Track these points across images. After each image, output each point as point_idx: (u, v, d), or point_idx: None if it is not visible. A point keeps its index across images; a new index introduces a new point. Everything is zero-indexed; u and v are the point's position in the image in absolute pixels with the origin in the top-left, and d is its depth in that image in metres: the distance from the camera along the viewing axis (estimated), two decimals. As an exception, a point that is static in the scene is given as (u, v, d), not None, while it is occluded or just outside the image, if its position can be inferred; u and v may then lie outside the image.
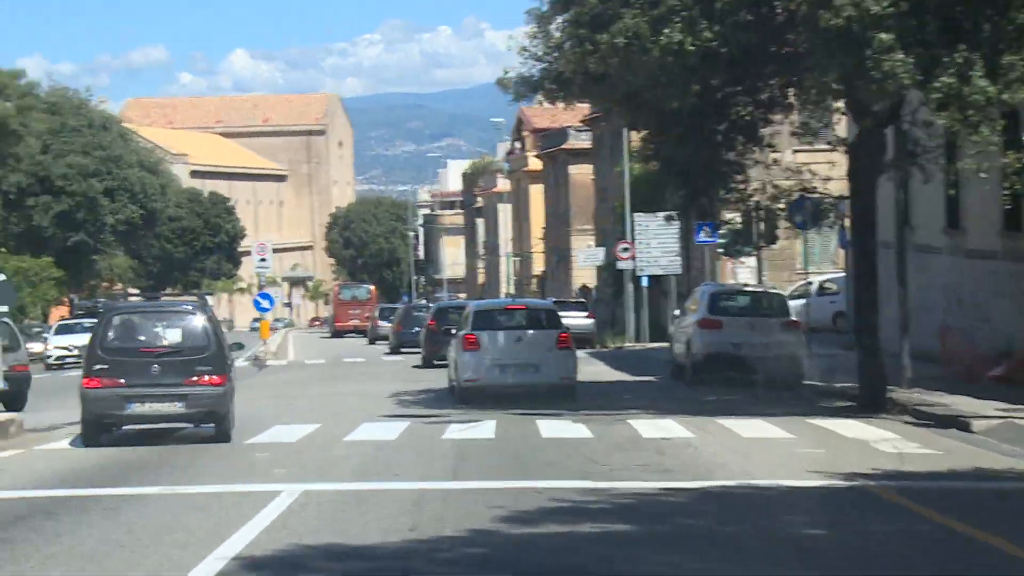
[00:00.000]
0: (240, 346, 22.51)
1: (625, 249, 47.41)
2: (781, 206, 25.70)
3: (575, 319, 48.71)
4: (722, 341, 24.87)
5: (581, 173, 69.74)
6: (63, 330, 47.42)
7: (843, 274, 36.48)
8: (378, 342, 51.40)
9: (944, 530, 9.90)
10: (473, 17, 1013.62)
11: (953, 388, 20.27)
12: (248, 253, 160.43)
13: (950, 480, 12.60)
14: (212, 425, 16.84)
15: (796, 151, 33.81)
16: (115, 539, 9.87)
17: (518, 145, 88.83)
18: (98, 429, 16.76)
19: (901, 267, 21.56)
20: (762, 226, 32.61)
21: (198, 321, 17.32)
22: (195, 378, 16.67)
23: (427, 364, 32.93)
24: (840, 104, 21.14)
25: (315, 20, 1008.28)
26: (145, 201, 67.37)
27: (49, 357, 45.61)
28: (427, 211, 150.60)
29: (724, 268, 45.14)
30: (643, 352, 40.56)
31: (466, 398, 22.01)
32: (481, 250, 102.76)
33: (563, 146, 70.26)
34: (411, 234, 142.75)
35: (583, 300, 51.11)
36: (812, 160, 31.57)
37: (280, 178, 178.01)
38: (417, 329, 39.66)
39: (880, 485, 11.98)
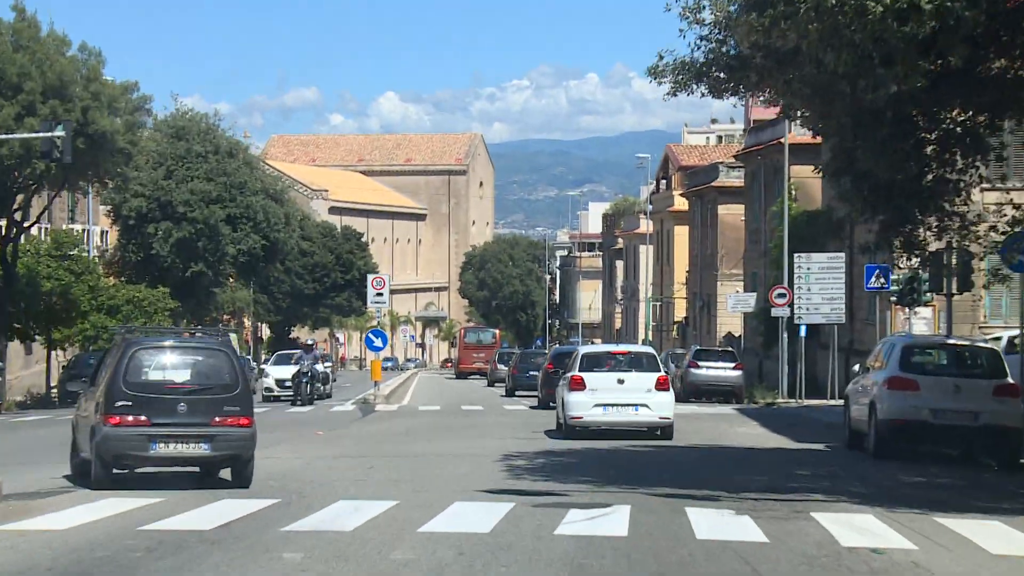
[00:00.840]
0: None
1: (781, 295, 42.32)
2: (986, 240, 20.71)
3: (722, 370, 43.77)
4: (917, 406, 19.82)
5: (731, 213, 64.70)
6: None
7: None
8: (496, 384, 54.55)
9: None
10: (621, 65, 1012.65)
11: None
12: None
13: None
14: (230, 469, 15.86)
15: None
16: None
17: (663, 184, 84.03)
18: (109, 471, 15.49)
19: None
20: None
21: (225, 358, 16.14)
22: (223, 419, 15.65)
23: (543, 405, 34.61)
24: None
25: (466, 65, 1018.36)
26: (268, 231, 64.16)
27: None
28: (564, 253, 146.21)
29: (895, 319, 39.76)
30: (800, 412, 35.41)
31: (572, 435, 24.07)
32: (619, 294, 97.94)
33: (712, 183, 65.32)
34: (547, 276, 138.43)
35: (731, 349, 46.02)
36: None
37: (419, 217, 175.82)
38: (532, 373, 42.50)
39: None
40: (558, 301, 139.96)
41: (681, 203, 75.34)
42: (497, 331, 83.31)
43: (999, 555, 10.99)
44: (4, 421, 34.13)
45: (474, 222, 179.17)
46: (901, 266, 39.59)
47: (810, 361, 42.61)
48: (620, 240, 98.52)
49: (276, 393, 42.75)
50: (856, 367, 23.09)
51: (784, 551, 10.89)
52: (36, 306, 46.17)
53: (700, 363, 43.59)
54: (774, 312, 42.66)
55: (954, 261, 27.92)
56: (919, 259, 21.68)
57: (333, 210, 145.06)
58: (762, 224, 55.97)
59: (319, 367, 40.32)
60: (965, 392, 19.72)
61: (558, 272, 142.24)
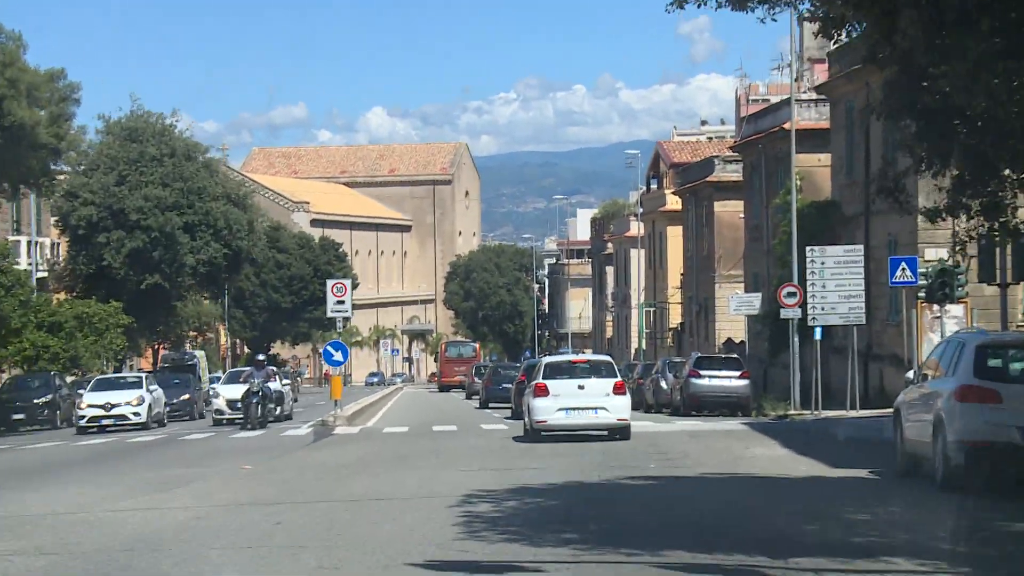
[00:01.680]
0: None
1: (791, 294, 37.78)
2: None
3: (726, 380, 39.17)
4: (1000, 423, 15.23)
5: (728, 210, 60.19)
6: (102, 385, 39.35)
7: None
8: (473, 396, 56.16)
9: None
10: (608, 75, 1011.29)
11: None
12: (371, 306, 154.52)
13: None
14: None
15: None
16: None
17: (653, 184, 79.50)
18: None
19: None
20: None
21: None
22: None
23: (515, 416, 35.46)
24: None
25: (453, 78, 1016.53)
26: (230, 239, 59.45)
27: (83, 418, 37.60)
28: (553, 261, 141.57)
29: (921, 318, 35.20)
30: (819, 426, 30.83)
31: (537, 438, 25.90)
32: (610, 301, 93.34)
33: (707, 179, 60.80)
34: (535, 285, 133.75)
35: (735, 356, 41.43)
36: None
37: (404, 228, 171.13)
38: (505, 385, 44.06)
39: None
40: (547, 311, 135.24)
41: (674, 202, 70.83)
42: (477, 344, 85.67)
43: None
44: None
45: (460, 233, 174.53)
46: (928, 257, 35.18)
47: (823, 368, 38.15)
48: (610, 245, 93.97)
49: (227, 416, 38.11)
50: (910, 374, 18.47)
51: None
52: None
53: (702, 372, 39.06)
54: (784, 313, 38.11)
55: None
56: (1000, 231, 16.99)
57: (315, 222, 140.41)
58: (764, 220, 51.48)
59: (272, 385, 35.65)
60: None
61: (546, 281, 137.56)
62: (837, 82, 41.51)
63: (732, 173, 59.88)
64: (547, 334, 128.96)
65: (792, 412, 36.76)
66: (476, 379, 56.37)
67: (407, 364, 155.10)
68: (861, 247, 35.96)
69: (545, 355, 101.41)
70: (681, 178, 67.36)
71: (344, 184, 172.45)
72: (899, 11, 11.71)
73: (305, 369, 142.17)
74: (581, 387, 25.86)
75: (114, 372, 60.57)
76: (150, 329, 61.56)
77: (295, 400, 44.80)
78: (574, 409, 25.64)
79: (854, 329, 35.34)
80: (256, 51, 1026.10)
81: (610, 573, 9.66)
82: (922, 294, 32.74)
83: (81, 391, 40.01)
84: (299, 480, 18.45)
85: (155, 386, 40.38)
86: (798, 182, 46.04)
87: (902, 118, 14.08)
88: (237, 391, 36.53)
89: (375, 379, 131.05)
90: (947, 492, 15.42)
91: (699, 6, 12.94)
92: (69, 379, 47.14)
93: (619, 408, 25.75)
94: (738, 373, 39.21)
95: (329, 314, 36.97)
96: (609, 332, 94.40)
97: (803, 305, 37.47)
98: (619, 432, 25.72)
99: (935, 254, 35.01)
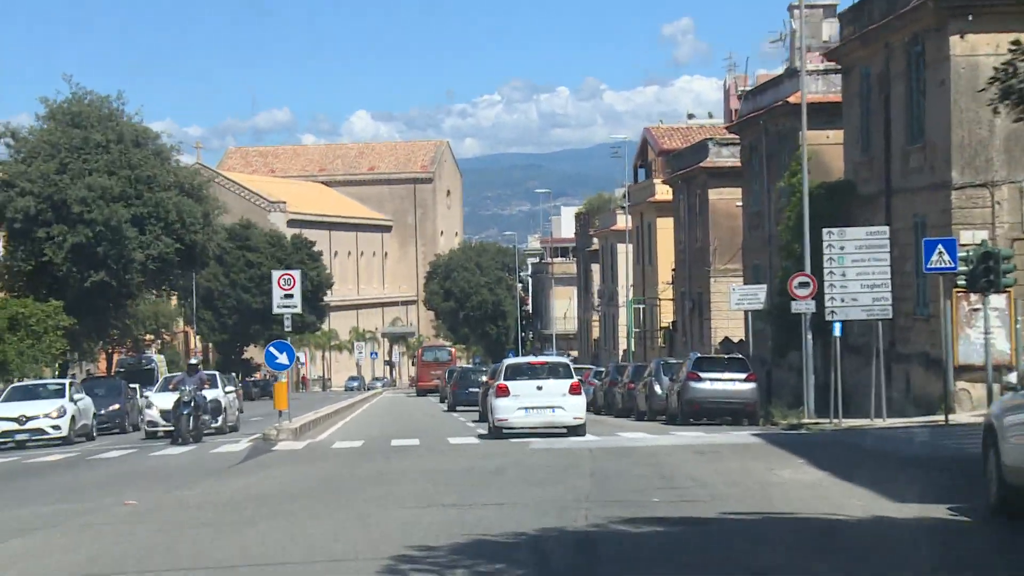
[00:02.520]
0: None
1: (804, 284, 33.11)
2: None
3: (730, 383, 34.39)
4: None
5: (723, 198, 55.55)
6: (18, 394, 34.48)
7: None
8: (445, 400, 56.97)
9: None
10: (592, 78, 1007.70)
11: None
12: (351, 307, 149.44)
13: None
14: None
15: None
16: None
17: (641, 174, 74.78)
18: None
19: None
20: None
21: None
22: None
23: (482, 418, 35.99)
24: None
25: (437, 82, 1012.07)
26: (183, 232, 54.51)
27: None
28: (536, 260, 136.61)
29: (956, 311, 30.52)
30: (845, 438, 26.17)
31: (499, 435, 27.29)
32: (596, 300, 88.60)
33: (702, 163, 56.09)
34: (518, 285, 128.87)
35: (740, 356, 36.67)
36: None
37: (384, 228, 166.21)
38: (472, 389, 45.96)
39: None
40: (531, 311, 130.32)
41: (663, 192, 66.18)
42: (453, 349, 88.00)
43: None
44: None
45: (442, 232, 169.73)
46: (964, 240, 30.49)
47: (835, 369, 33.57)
48: (595, 240, 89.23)
49: (162, 428, 33.30)
50: (1012, 377, 13.67)
51: None
52: None
53: (702, 375, 34.36)
54: (795, 307, 33.38)
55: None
56: None
57: (292, 223, 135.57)
58: (765, 206, 46.81)
59: (209, 393, 30.82)
60: None
61: (530, 280, 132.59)
62: (851, 46, 36.85)
63: (728, 158, 55.25)
64: (531, 335, 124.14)
65: (807, 421, 32.05)
66: (448, 383, 56.84)
67: (388, 368, 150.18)
68: (886, 228, 31.25)
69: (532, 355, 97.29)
70: (672, 166, 62.69)
71: (323, 183, 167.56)
72: None
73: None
74: (540, 388, 27.23)
75: (56, 378, 55.78)
76: (98, 331, 56.59)
77: (240, 411, 39.86)
78: (533, 408, 27.06)
79: (879, 324, 30.62)
80: (240, 56, 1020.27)
81: None
82: (962, 281, 28.13)
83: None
84: (175, 527, 13.60)
85: (81, 395, 35.50)
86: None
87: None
88: (171, 400, 31.70)
89: (355, 383, 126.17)
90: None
91: None
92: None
93: (575, 407, 27.24)
94: (743, 375, 34.53)
95: (275, 310, 32.18)
96: (595, 332, 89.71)
97: (817, 297, 32.85)
98: (574, 429, 27.09)
99: (972, 236, 30.37)
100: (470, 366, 65.08)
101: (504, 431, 27.14)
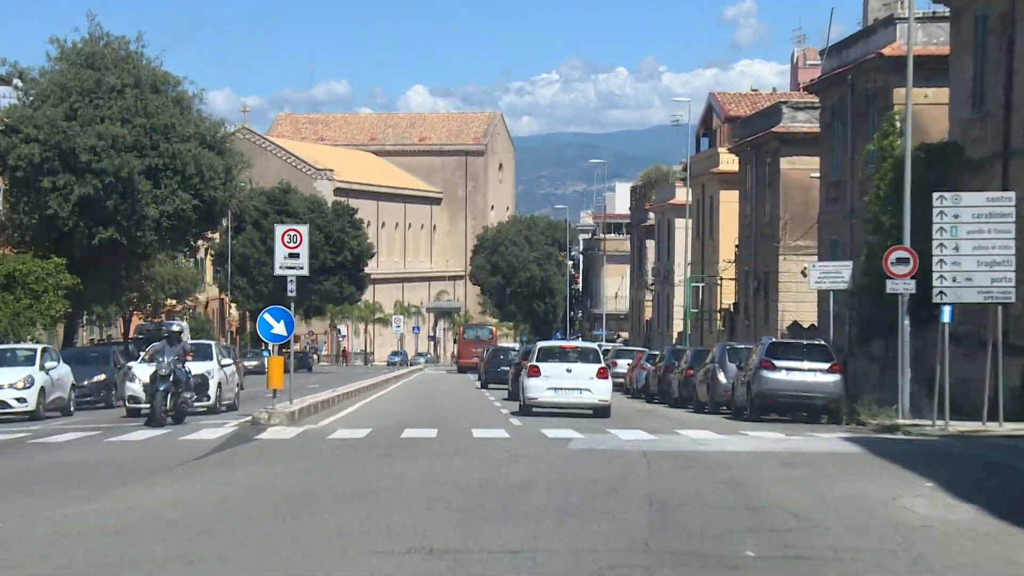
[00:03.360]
0: None
1: (902, 260, 27.83)
2: None
3: (811, 374, 29.10)
4: None
5: (796, 168, 50.18)
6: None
7: None
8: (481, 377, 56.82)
9: None
10: (652, 59, 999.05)
11: None
12: (396, 280, 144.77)
13: None
14: None
15: None
16: None
17: (704, 144, 69.32)
18: None
19: None
20: None
21: None
22: None
23: (511, 397, 37.93)
24: None
25: (495, 58, 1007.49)
26: (202, 188, 49.79)
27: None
28: (588, 236, 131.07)
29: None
30: (960, 447, 21.02)
31: (529, 412, 28.90)
32: (650, 279, 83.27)
33: (773, 129, 50.67)
34: (569, 262, 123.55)
35: (822, 343, 31.25)
36: None
37: (434, 200, 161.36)
38: (504, 368, 46.93)
39: None
40: (580, 290, 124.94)
41: (728, 162, 60.82)
42: (494, 328, 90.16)
43: None
44: None
45: (493, 207, 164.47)
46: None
47: (934, 361, 28.45)
48: (651, 215, 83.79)
49: (143, 404, 28.47)
50: None
51: None
52: None
53: (777, 363, 29.20)
54: (890, 287, 28.12)
55: None
56: None
57: (339, 191, 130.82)
58: (847, 174, 41.43)
59: (190, 367, 25.97)
60: None
61: (580, 257, 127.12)
62: (964, -15, 31.43)
63: (803, 123, 49.83)
64: (580, 314, 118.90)
65: (903, 422, 26.81)
66: (482, 362, 58.74)
67: (431, 343, 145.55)
68: (1012, 194, 25.89)
69: (579, 337, 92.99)
70: (739, 133, 57.25)
71: (373, 153, 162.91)
72: None
73: (322, 346, 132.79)
74: (569, 370, 29.01)
75: (60, 343, 51.36)
76: (108, 294, 52.07)
77: (241, 387, 34.97)
78: (562, 389, 28.83)
79: (998, 309, 25.35)
80: (300, 27, 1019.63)
81: None
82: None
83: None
84: (115, 548, 8.70)
85: (55, 363, 30.75)
86: (898, 124, 36.08)
87: None
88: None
89: (397, 359, 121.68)
90: None
91: None
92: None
93: (601, 390, 28.95)
94: (826, 365, 29.30)
95: (277, 271, 27.25)
96: (648, 313, 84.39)
97: (917, 276, 27.63)
98: (600, 410, 28.71)
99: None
100: (503, 346, 65.22)
101: (534, 408, 28.93)
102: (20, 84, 49.82)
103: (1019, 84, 28.97)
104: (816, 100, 47.41)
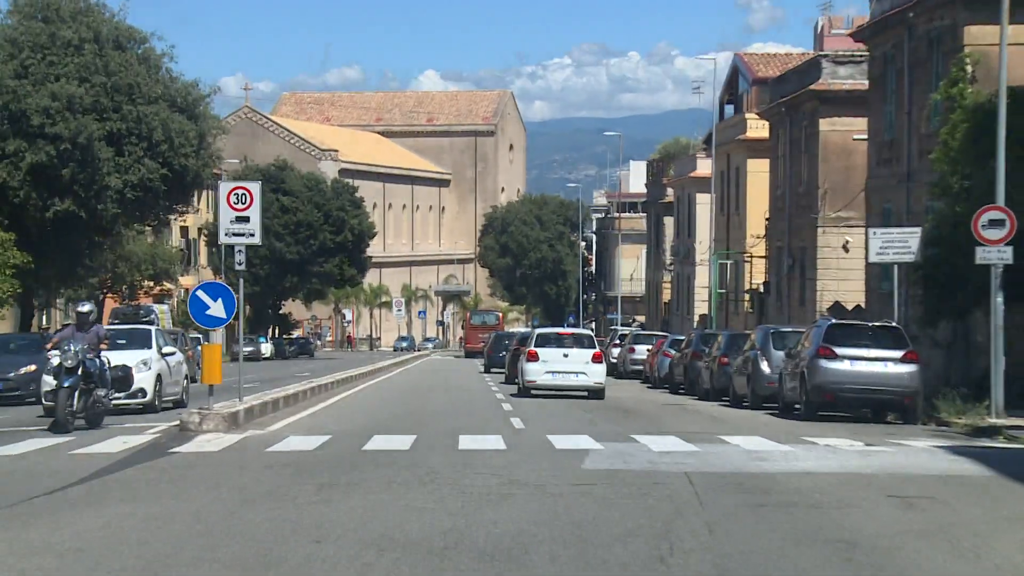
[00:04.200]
0: None
1: (997, 222, 22.45)
2: None
3: (881, 363, 23.59)
4: None
5: (836, 130, 44.69)
6: None
7: None
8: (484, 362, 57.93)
9: None
10: (665, 43, 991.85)
11: None
12: (403, 263, 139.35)
13: None
14: None
15: None
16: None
17: (729, 110, 63.75)
18: None
19: None
20: None
21: None
22: None
23: (508, 381, 40.09)
24: None
25: (507, 43, 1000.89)
26: (171, 156, 44.41)
27: None
28: (602, 216, 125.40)
29: None
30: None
31: (527, 394, 30.39)
32: (668, 258, 77.76)
33: (812, 86, 45.10)
34: (581, 243, 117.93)
35: (892, 325, 25.69)
36: None
37: (442, 182, 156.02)
38: (504, 354, 47.42)
39: None
40: (594, 271, 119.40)
41: (757, 128, 55.29)
42: (501, 314, 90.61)
43: None
44: None
45: (503, 189, 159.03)
46: None
47: (1007, 348, 23.07)
48: (670, 191, 78.21)
49: (63, 401, 23.06)
50: None
51: None
52: None
53: (838, 350, 23.77)
54: (981, 256, 22.72)
55: None
56: None
57: (344, 172, 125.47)
58: (903, 131, 35.88)
59: (106, 357, 20.55)
60: None
61: (594, 238, 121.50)
62: None
63: (845, 79, 44.33)
64: (593, 297, 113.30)
65: (999, 422, 21.42)
66: (486, 347, 59.67)
67: (440, 328, 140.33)
68: None
69: (591, 322, 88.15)
70: (771, 92, 51.66)
71: (379, 133, 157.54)
72: None
73: (326, 331, 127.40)
74: (566, 355, 30.43)
75: (15, 328, 46.23)
76: (68, 273, 46.76)
77: (193, 379, 29.31)
78: (559, 372, 30.33)
79: None
80: (313, 12, 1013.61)
81: None
82: None
83: None
84: None
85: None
86: (968, 68, 30.67)
87: None
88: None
89: (404, 343, 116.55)
90: None
91: None
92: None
93: (596, 373, 30.41)
94: (900, 353, 23.86)
95: (222, 238, 21.83)
96: (666, 295, 78.89)
97: (1014, 241, 22.27)
98: (595, 392, 30.14)
99: None
100: (505, 332, 65.74)
101: (532, 391, 30.42)
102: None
103: None
104: (860, 53, 41.88)
